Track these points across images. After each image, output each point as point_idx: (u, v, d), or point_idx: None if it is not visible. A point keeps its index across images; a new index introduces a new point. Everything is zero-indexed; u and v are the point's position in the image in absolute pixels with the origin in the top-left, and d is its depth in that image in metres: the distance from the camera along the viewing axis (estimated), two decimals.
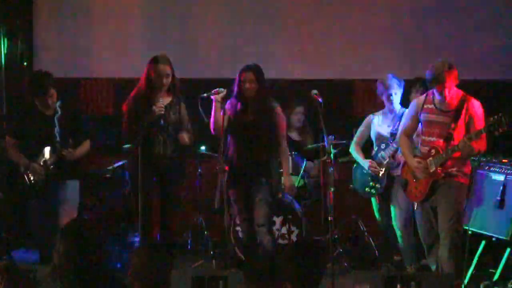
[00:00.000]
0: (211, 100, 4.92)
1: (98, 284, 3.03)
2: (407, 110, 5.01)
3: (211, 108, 4.94)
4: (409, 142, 4.89)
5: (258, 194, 4.99)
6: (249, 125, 4.97)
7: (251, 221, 5.08)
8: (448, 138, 4.57)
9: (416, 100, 4.88)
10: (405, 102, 5.44)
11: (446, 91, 4.54)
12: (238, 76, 4.98)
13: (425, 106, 4.71)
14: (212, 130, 4.99)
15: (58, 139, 5.02)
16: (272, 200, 5.06)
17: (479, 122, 4.52)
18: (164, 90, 5.03)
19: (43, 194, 5.08)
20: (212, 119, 4.93)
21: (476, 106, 4.59)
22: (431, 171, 4.60)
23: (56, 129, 5.03)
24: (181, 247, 6.16)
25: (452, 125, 4.55)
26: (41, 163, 5.05)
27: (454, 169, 4.59)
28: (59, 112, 5.07)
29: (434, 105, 4.67)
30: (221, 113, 4.89)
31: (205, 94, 4.92)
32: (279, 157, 5.12)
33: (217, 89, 4.93)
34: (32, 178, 5.04)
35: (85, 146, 5.23)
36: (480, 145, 4.50)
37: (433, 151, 4.62)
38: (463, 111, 4.55)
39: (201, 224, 6.29)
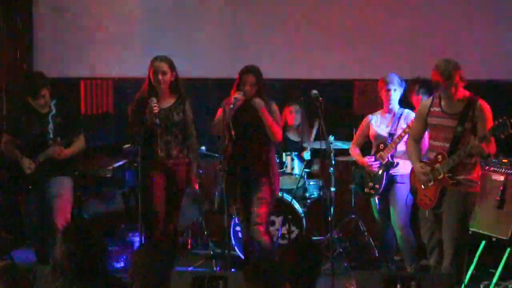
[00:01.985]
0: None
1: (98, 284, 3.03)
2: (415, 113, 4.95)
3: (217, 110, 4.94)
4: (416, 146, 4.75)
5: (256, 193, 4.98)
6: (247, 124, 4.98)
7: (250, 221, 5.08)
8: (454, 142, 4.43)
9: (424, 103, 4.77)
10: (405, 103, 5.43)
11: (453, 90, 4.43)
12: (239, 77, 4.98)
13: (431, 109, 4.59)
14: (215, 131, 4.98)
15: (51, 136, 5.06)
16: (271, 200, 5.06)
17: (489, 124, 4.37)
18: (165, 90, 5.02)
19: (35, 188, 5.10)
20: (221, 122, 4.91)
21: (484, 108, 4.44)
22: (439, 178, 4.48)
23: (50, 126, 5.07)
24: (181, 247, 6.16)
25: (459, 129, 4.43)
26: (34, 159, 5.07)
27: (462, 177, 4.45)
28: (54, 111, 5.11)
29: (441, 107, 4.54)
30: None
31: (232, 106, 4.87)
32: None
33: (237, 97, 4.91)
34: (23, 172, 5.07)
35: (79, 142, 5.22)
36: (491, 148, 4.37)
37: (439, 157, 4.48)
38: (470, 113, 4.42)
39: (201, 224, 6.29)
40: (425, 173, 4.55)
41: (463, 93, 4.49)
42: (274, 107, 5.09)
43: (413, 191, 4.76)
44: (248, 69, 4.97)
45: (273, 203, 5.12)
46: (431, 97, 4.68)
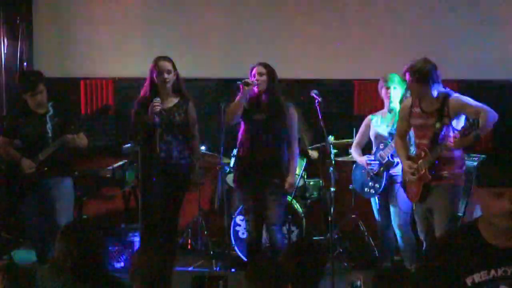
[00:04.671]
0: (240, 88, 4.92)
1: (98, 284, 3.03)
2: (398, 114, 5.01)
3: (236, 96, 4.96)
4: (403, 144, 4.87)
5: (272, 195, 4.97)
6: (262, 124, 4.97)
7: (259, 221, 5.08)
8: (433, 139, 4.56)
9: (404, 104, 4.87)
10: None
11: (428, 91, 4.50)
12: (250, 72, 5.02)
13: (413, 110, 4.70)
14: (227, 118, 4.97)
15: (50, 135, 5.06)
16: (285, 200, 5.07)
17: (471, 109, 4.44)
18: (169, 89, 5.03)
19: (35, 189, 5.10)
20: (233, 106, 4.93)
21: (456, 103, 4.51)
22: (422, 173, 4.61)
23: (48, 126, 5.08)
24: (181, 247, 6.16)
25: (437, 125, 4.54)
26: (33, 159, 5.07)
27: (445, 172, 4.56)
28: (52, 111, 5.12)
29: (421, 108, 4.65)
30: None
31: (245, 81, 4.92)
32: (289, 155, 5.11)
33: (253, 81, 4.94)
34: (23, 173, 5.07)
35: (83, 138, 5.22)
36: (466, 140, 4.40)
37: (422, 153, 4.63)
38: (445, 109, 4.52)
39: (201, 224, 6.29)
40: (412, 173, 4.68)
41: (438, 90, 4.57)
42: (292, 110, 5.08)
43: (403, 184, 4.87)
44: (257, 63, 5.03)
45: (286, 202, 5.14)
46: (411, 97, 4.75)
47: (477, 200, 2.35)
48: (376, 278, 3.11)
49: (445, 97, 4.56)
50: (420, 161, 4.63)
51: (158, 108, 4.85)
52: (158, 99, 4.90)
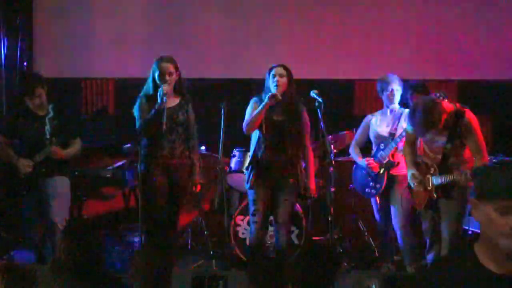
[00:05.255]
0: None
1: (98, 284, 3.03)
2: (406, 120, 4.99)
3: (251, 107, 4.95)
4: (411, 151, 4.85)
5: (284, 194, 4.96)
6: (280, 125, 4.96)
7: (266, 222, 5.06)
8: (444, 158, 4.55)
9: None
10: (405, 103, 5.43)
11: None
12: (268, 72, 5.01)
13: None
14: (247, 129, 4.96)
15: (47, 136, 5.07)
16: (295, 200, 5.08)
17: (475, 144, 4.46)
18: (170, 90, 5.04)
19: (33, 189, 5.11)
20: (254, 118, 4.92)
21: (470, 123, 4.49)
22: (429, 188, 4.62)
23: (47, 127, 5.09)
24: (181, 247, 6.16)
25: (448, 145, 4.53)
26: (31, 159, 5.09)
27: (454, 192, 4.56)
28: (51, 113, 5.13)
29: None
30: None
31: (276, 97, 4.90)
32: (304, 159, 5.10)
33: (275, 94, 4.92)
34: (21, 172, 5.08)
35: (75, 145, 5.23)
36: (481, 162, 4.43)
37: (432, 169, 4.62)
38: (457, 130, 4.49)
39: (201, 224, 6.29)
40: (418, 182, 4.69)
41: (449, 109, 4.50)
42: (305, 112, 5.08)
43: (409, 188, 4.87)
44: (276, 64, 5.03)
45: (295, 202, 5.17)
46: None
47: (477, 217, 2.01)
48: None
49: (458, 115, 4.50)
50: (428, 176, 4.63)
51: (166, 91, 4.87)
52: (166, 85, 4.92)
